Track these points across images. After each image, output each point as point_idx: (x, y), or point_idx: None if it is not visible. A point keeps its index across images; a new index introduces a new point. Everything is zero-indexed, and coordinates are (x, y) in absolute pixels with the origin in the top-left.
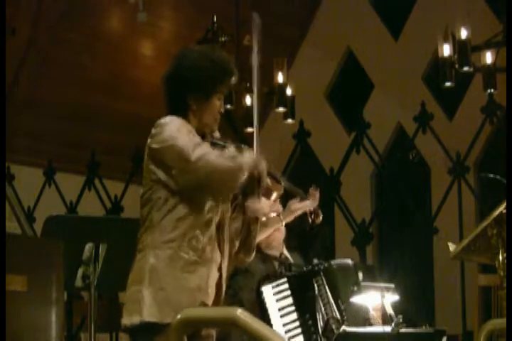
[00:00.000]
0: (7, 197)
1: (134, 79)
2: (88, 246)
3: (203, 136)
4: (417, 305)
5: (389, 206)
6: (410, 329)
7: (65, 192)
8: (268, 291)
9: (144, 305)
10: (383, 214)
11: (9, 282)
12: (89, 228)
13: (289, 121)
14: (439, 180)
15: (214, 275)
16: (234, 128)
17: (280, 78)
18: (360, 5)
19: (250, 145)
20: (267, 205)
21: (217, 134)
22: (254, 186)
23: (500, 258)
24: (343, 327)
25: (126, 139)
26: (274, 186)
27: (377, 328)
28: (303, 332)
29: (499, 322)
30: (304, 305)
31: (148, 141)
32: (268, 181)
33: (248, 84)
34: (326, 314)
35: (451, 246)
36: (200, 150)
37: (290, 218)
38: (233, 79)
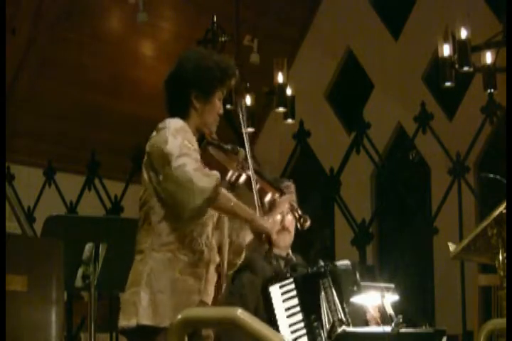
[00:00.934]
0: (7, 197)
1: (134, 79)
2: (88, 246)
3: (203, 136)
4: (417, 305)
5: (389, 206)
6: (410, 329)
7: (65, 192)
8: (275, 291)
9: (140, 308)
10: (383, 214)
11: (9, 282)
12: (89, 228)
13: (289, 121)
14: (439, 180)
15: (213, 276)
16: (234, 128)
17: (280, 78)
18: (360, 5)
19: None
20: (275, 223)
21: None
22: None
23: (500, 258)
24: (343, 327)
25: (126, 139)
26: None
27: (377, 328)
28: (308, 333)
29: (499, 322)
30: (310, 306)
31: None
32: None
33: (248, 84)
34: (332, 316)
35: (451, 246)
36: (183, 160)
37: (277, 214)
38: (233, 81)
